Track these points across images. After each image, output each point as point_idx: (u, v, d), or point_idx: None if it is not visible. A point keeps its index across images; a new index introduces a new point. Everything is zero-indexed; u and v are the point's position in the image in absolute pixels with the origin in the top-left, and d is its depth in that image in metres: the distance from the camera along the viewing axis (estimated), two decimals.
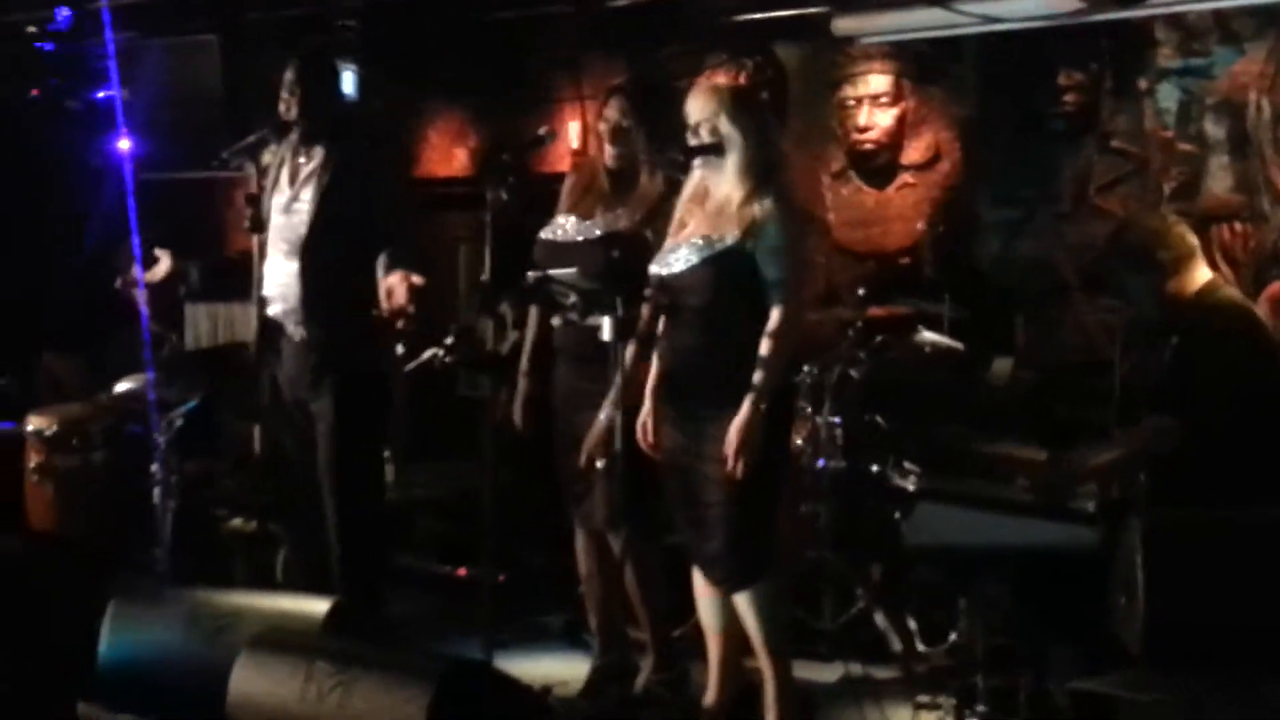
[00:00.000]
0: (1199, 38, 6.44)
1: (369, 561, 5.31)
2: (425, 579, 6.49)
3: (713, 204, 4.67)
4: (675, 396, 4.68)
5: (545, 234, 5.17)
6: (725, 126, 4.60)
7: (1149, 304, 4.92)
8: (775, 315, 4.49)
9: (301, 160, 5.36)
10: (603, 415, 4.76)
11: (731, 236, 4.55)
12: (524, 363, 5.24)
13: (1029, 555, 4.59)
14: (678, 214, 4.75)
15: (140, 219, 6.25)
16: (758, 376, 4.46)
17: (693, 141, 4.66)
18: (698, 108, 4.67)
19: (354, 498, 5.25)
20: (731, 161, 4.60)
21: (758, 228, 4.52)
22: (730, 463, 4.46)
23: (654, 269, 4.71)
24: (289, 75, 5.35)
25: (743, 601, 4.65)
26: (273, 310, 5.35)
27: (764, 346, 4.48)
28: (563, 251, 5.03)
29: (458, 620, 5.76)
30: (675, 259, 4.66)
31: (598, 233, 5.03)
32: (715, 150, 4.64)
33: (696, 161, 4.67)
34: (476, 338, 4.83)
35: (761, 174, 4.59)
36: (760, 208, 4.54)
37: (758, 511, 4.61)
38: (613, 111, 5.12)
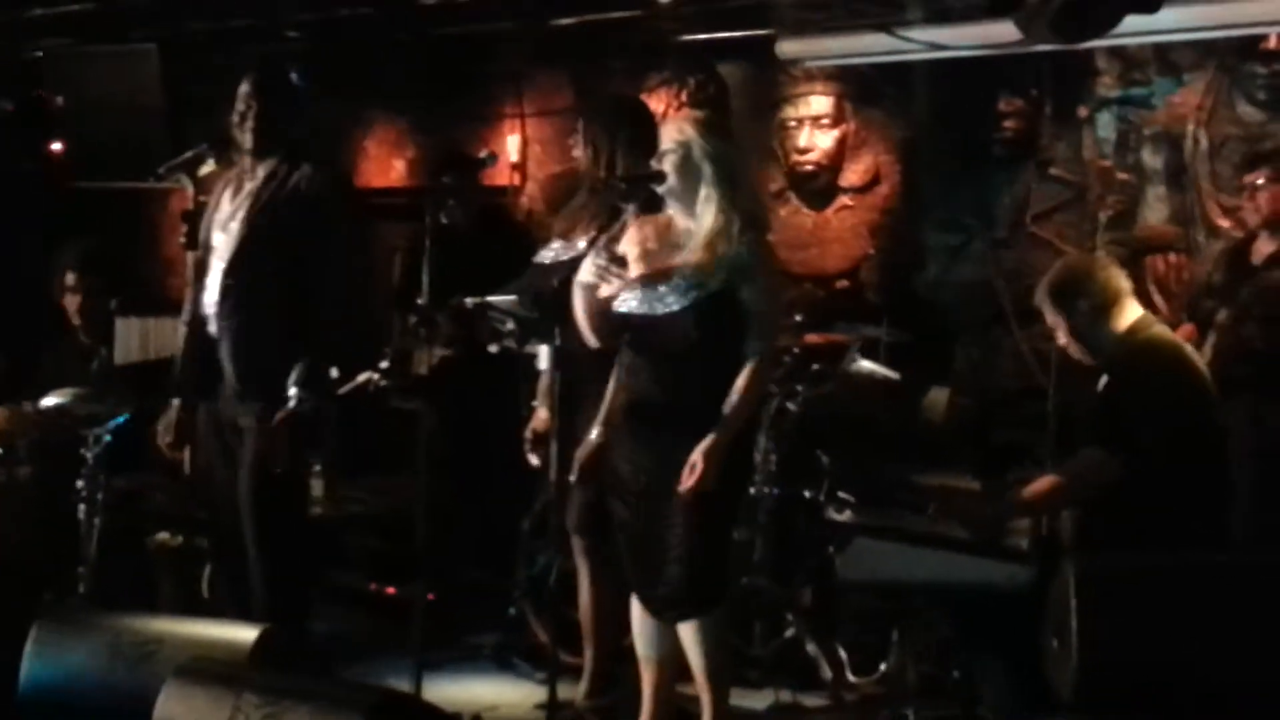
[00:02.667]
0: (1139, 68, 6.48)
1: (293, 587, 5.23)
2: (356, 596, 6.44)
3: (682, 238, 4.60)
4: (636, 427, 4.64)
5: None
6: (698, 156, 4.56)
7: (1078, 338, 4.94)
8: (755, 350, 4.49)
9: (246, 177, 5.23)
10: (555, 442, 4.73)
11: (718, 280, 4.50)
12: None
13: (962, 589, 4.60)
14: (636, 244, 4.66)
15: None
16: (732, 407, 4.46)
17: (657, 167, 4.61)
18: (668, 136, 4.64)
19: (273, 523, 5.15)
20: (704, 194, 4.56)
21: (742, 269, 4.50)
22: (685, 483, 4.43)
23: (621, 307, 4.62)
24: (244, 88, 5.10)
25: (689, 631, 4.61)
26: (212, 328, 5.21)
27: (741, 378, 4.47)
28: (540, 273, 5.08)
29: (388, 639, 5.71)
30: (652, 299, 4.57)
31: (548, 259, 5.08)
32: (659, 179, 4.60)
33: (663, 189, 4.61)
34: (411, 361, 4.77)
35: (741, 210, 4.54)
36: (743, 248, 4.51)
37: (714, 541, 4.60)
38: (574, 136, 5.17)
